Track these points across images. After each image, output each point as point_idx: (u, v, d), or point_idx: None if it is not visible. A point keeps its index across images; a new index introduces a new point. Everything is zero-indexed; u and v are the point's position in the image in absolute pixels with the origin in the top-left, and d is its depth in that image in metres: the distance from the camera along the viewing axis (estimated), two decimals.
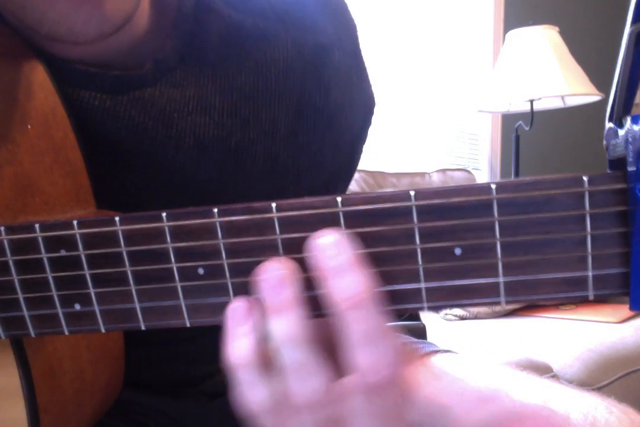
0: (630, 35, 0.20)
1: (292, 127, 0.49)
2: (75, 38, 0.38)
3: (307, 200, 0.27)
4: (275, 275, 0.27)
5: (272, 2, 0.49)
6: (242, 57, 0.47)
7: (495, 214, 0.25)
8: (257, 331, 0.28)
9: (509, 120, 2.58)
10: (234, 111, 0.46)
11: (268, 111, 0.48)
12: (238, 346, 0.28)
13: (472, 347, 1.58)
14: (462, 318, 1.98)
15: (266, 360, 0.29)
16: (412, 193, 0.26)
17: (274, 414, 0.30)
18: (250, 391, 0.29)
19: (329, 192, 0.57)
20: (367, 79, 0.55)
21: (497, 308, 1.96)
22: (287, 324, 0.27)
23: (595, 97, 2.14)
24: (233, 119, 0.47)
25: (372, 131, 0.61)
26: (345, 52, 0.51)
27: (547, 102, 2.25)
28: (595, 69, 2.10)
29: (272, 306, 0.27)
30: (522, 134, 2.32)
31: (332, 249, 0.27)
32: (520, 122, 2.28)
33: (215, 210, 0.28)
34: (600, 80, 1.93)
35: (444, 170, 2.25)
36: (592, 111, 2.00)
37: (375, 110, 0.58)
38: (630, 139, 0.22)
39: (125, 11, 0.39)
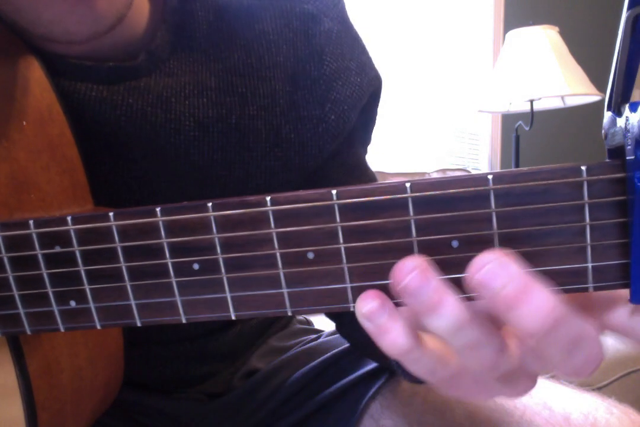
0: (627, 20, 0.20)
1: (291, 100, 0.49)
2: (70, 38, 0.38)
3: (302, 193, 0.27)
4: (412, 278, 0.25)
5: None
6: (233, 38, 0.47)
7: (492, 205, 0.25)
8: (398, 320, 0.27)
9: (509, 120, 2.58)
10: (231, 90, 0.47)
11: (264, 85, 0.48)
12: (389, 342, 0.27)
13: None
14: None
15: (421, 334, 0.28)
16: (407, 185, 0.26)
17: (453, 380, 0.29)
18: (420, 369, 0.28)
19: (342, 161, 0.56)
20: (361, 46, 0.54)
21: None
22: (447, 318, 0.25)
23: (595, 97, 2.13)
24: (231, 97, 0.47)
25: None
26: (334, 20, 0.51)
27: (547, 102, 2.24)
28: (595, 69, 2.09)
29: (423, 308, 0.25)
30: (522, 134, 2.32)
31: (501, 277, 0.24)
32: (520, 122, 2.28)
33: (210, 204, 0.28)
34: (600, 80, 1.93)
35: (444, 170, 2.25)
36: (592, 111, 2.00)
37: (382, 78, 0.56)
38: (628, 127, 0.22)
39: (119, 10, 0.39)
